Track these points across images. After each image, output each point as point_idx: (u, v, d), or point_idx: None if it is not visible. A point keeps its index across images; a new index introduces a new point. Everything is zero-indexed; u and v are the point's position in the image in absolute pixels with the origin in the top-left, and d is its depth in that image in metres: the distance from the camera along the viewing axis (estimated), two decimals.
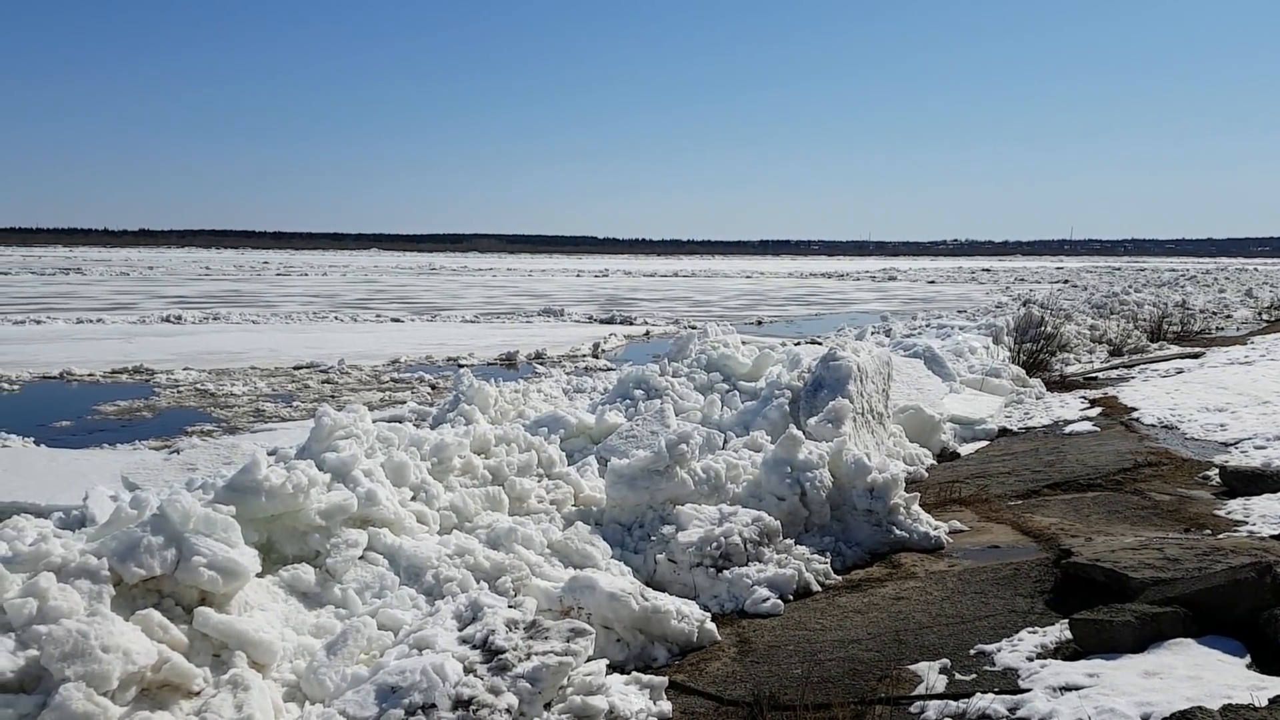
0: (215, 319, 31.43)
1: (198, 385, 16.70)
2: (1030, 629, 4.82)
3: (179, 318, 31.08)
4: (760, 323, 34.13)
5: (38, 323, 28.98)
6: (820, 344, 16.79)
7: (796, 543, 6.44)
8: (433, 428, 8.36)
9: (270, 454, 6.02)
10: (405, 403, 14.35)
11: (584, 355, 22.50)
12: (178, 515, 4.38)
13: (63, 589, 3.91)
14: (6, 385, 16.66)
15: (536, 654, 4.24)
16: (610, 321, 32.85)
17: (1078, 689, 3.91)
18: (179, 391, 16.15)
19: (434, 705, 3.89)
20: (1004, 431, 11.43)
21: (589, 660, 4.43)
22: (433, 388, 16.78)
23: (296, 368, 19.14)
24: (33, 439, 11.29)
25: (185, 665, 3.90)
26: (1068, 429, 10.99)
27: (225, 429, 12.82)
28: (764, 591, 5.76)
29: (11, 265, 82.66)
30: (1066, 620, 4.65)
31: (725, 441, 8.59)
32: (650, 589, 5.43)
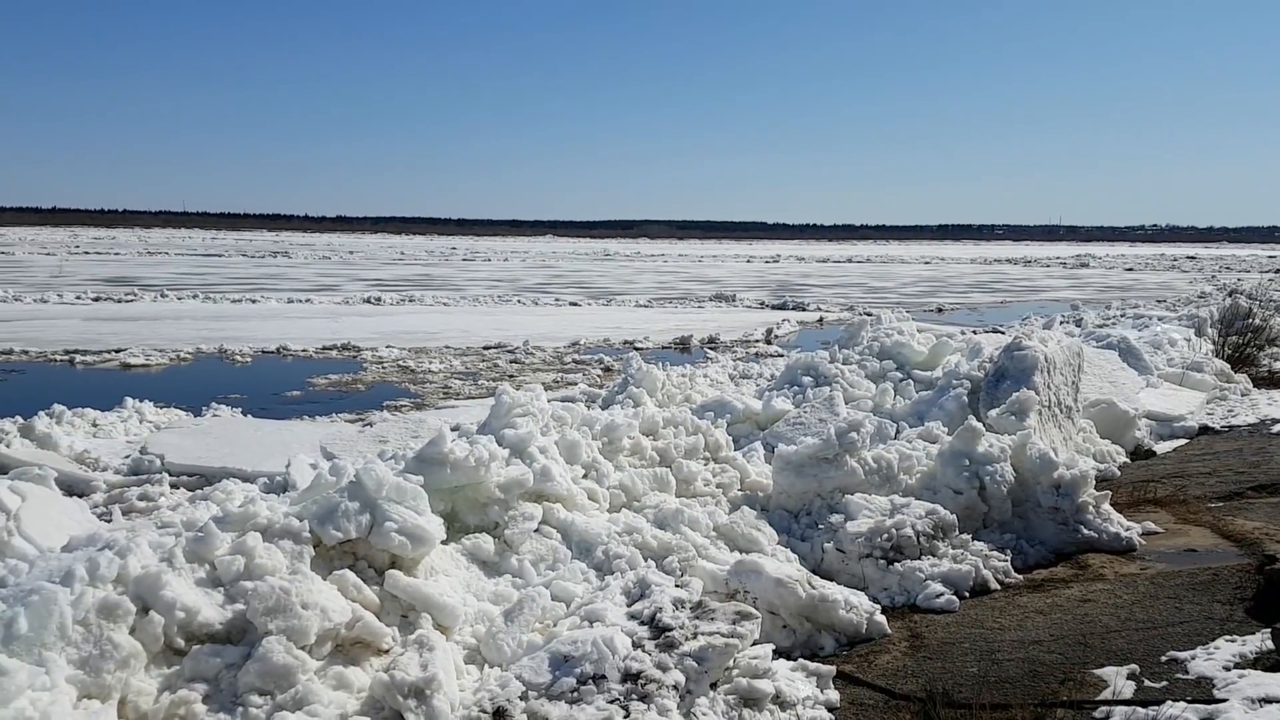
0: (410, 301, 33.23)
1: (399, 362, 17.96)
2: (1228, 637, 4.58)
3: (378, 299, 32.98)
4: (940, 310, 33.09)
5: (253, 301, 31.50)
6: (1003, 333, 16.13)
7: (974, 538, 6.25)
8: (603, 409, 8.55)
9: (454, 429, 6.33)
10: (576, 384, 14.79)
11: (756, 340, 22.44)
12: (372, 483, 4.67)
13: (268, 548, 4.25)
14: (239, 358, 18.69)
15: (703, 634, 4.29)
16: (782, 307, 32.58)
17: (1279, 702, 3.67)
18: (383, 367, 17.44)
19: (604, 676, 4.01)
20: (1205, 429, 10.73)
21: (755, 644, 4.45)
22: (605, 370, 17.15)
23: (486, 348, 20.12)
24: (239, 409, 12.35)
25: (376, 624, 4.16)
26: (1276, 428, 10.29)
27: (414, 404, 13.57)
28: (938, 586, 5.62)
29: (226, 248, 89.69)
30: (1269, 630, 4.41)
31: (898, 432, 8.40)
32: (817, 577, 5.39)
